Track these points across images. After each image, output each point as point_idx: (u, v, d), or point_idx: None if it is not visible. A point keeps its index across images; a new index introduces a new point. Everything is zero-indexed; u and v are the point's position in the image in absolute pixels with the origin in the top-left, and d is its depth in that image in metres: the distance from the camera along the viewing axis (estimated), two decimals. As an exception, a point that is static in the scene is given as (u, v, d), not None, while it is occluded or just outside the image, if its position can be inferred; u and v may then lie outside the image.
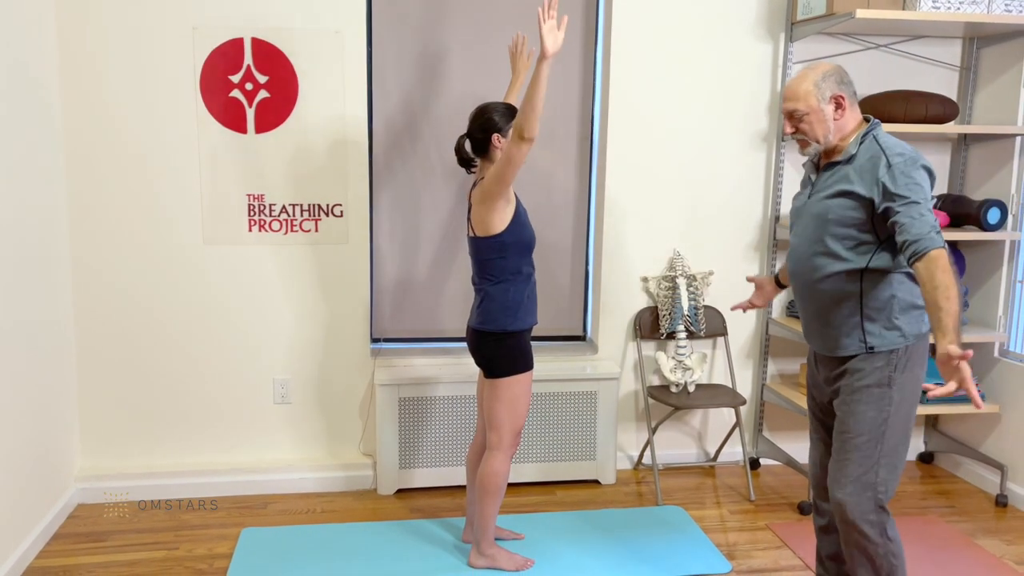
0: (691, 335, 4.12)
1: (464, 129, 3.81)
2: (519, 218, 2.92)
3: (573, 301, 4.31)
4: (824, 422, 2.69)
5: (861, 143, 2.38)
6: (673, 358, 4.05)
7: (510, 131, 2.88)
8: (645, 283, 4.13)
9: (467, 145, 3.02)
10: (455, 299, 4.16)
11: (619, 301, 4.15)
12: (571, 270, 4.24)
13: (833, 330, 2.48)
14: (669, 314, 4.05)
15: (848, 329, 2.45)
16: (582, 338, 4.36)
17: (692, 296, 4.03)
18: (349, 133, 3.77)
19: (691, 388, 4.00)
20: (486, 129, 2.92)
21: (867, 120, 2.47)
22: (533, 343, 4.19)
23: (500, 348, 2.93)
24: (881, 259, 2.38)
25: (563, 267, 4.23)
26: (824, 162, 2.50)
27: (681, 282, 4.03)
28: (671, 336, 4.13)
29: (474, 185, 2.98)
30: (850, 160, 2.39)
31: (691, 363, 4.02)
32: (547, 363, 4.02)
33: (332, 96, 3.73)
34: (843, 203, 2.37)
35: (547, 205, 4.16)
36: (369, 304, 3.93)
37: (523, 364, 2.97)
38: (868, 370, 2.43)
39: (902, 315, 2.40)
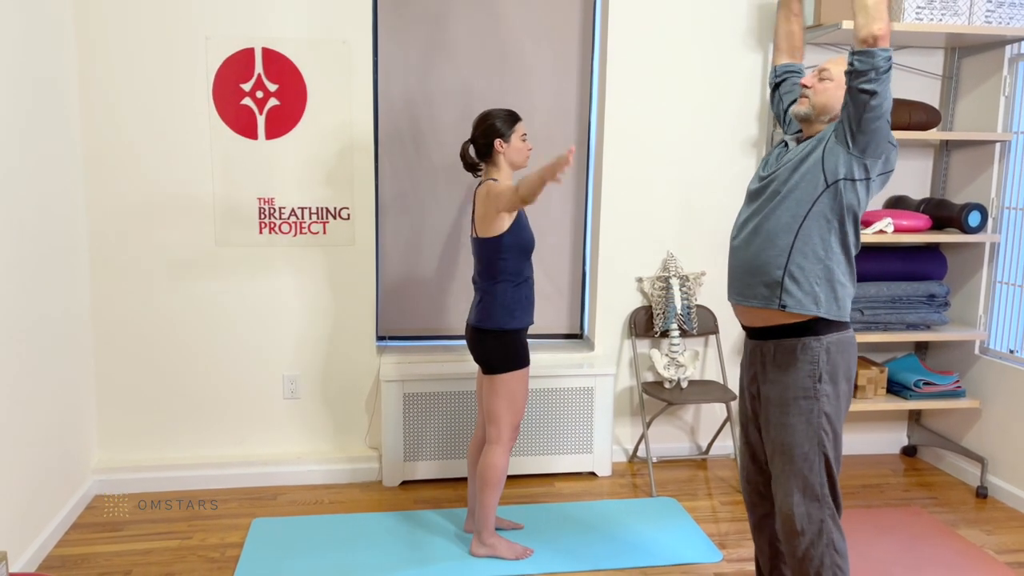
0: (684, 333, 4.11)
1: (466, 135, 3.83)
2: (520, 222, 2.92)
3: (571, 301, 4.28)
4: (749, 433, 2.59)
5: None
6: (666, 355, 4.03)
7: (512, 136, 2.91)
8: (640, 283, 4.11)
9: (471, 150, 3.03)
10: (458, 298, 4.15)
11: (615, 301, 4.13)
12: (569, 271, 4.22)
13: (752, 278, 2.41)
14: (663, 313, 4.03)
15: (768, 279, 2.36)
16: (579, 336, 4.33)
17: (685, 296, 4.02)
18: (356, 139, 3.75)
19: (684, 384, 3.98)
20: (489, 135, 2.93)
21: None
22: (533, 340, 4.19)
23: (498, 345, 2.93)
24: (822, 205, 2.29)
25: (561, 268, 4.21)
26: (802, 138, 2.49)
27: (674, 282, 4.01)
28: (665, 334, 4.11)
29: (478, 186, 2.97)
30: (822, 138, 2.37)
31: (684, 360, 4.00)
32: (546, 360, 4.00)
33: (339, 103, 3.71)
34: (809, 161, 2.33)
35: (546, 209, 4.15)
36: (375, 303, 3.91)
37: (520, 361, 2.96)
38: (788, 383, 2.36)
39: (823, 285, 2.31)
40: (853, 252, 2.37)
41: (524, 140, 2.96)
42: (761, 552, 2.70)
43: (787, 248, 2.33)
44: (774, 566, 2.68)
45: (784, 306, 2.35)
